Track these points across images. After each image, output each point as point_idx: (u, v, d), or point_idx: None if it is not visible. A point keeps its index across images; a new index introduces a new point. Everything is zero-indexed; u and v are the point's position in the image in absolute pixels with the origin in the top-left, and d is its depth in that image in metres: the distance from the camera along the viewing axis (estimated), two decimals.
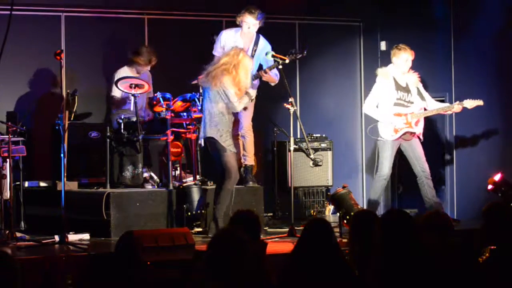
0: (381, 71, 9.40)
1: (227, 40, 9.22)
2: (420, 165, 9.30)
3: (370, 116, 9.47)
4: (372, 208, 8.97)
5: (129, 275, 6.81)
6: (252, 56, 9.17)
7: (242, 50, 8.63)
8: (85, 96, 9.91)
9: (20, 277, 3.83)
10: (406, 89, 9.35)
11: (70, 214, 8.14)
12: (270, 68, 9.04)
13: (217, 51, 9.23)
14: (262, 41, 9.32)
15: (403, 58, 9.28)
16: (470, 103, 9.42)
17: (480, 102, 9.42)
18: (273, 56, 8.98)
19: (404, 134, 9.29)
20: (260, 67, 9.22)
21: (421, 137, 9.38)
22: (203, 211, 8.68)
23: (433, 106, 9.51)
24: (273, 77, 9.13)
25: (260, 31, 9.37)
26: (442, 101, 10.58)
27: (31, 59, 10.01)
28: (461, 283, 4.83)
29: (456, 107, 9.42)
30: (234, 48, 8.63)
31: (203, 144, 8.58)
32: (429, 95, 9.56)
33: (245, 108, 8.75)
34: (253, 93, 8.98)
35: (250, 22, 9.18)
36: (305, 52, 9.03)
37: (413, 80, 9.41)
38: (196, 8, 10.70)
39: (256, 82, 9.08)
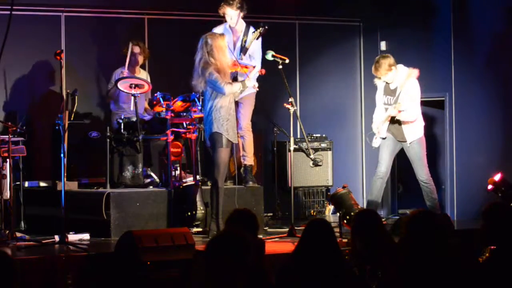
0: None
1: None
2: (416, 170, 9.15)
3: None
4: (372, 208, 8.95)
5: (129, 275, 6.81)
6: (242, 46, 9.20)
7: (207, 34, 8.44)
8: (85, 96, 9.91)
9: (19, 277, 3.82)
10: (393, 92, 9.19)
11: (70, 214, 8.15)
12: (251, 40, 9.08)
13: None
14: (252, 30, 9.26)
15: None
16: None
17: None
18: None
19: (384, 138, 9.17)
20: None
21: (414, 140, 9.14)
22: (202, 211, 8.67)
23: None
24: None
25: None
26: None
27: (31, 59, 10.01)
28: (461, 283, 4.83)
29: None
30: (201, 39, 8.42)
31: (208, 143, 8.46)
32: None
33: (242, 107, 8.71)
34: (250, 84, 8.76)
35: (231, 13, 9.17)
36: (266, 27, 9.03)
37: (401, 81, 9.16)
38: (196, 8, 10.69)
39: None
